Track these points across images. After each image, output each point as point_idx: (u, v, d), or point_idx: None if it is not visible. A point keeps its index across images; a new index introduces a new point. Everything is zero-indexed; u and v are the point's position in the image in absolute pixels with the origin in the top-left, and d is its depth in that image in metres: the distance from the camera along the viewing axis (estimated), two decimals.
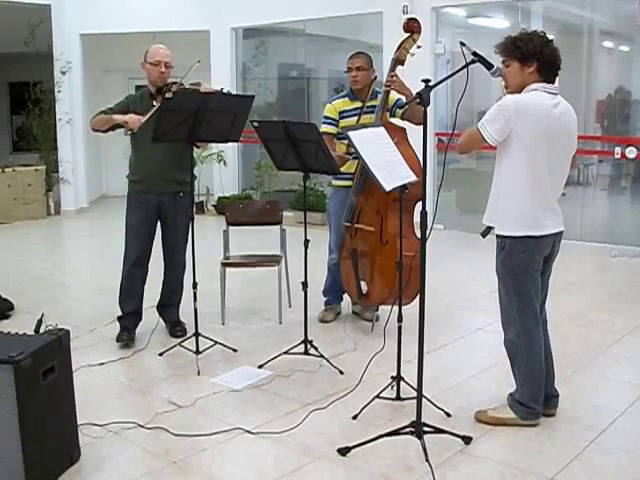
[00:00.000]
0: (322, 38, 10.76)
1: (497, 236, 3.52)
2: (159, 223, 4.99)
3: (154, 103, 4.70)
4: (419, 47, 4.99)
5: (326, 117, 5.16)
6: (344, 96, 5.20)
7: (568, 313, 5.46)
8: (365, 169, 4.85)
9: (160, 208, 4.91)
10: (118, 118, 4.72)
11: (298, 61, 11.13)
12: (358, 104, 5.12)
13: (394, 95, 5.03)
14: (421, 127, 5.02)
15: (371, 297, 5.07)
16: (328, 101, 5.28)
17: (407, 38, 4.97)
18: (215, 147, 10.64)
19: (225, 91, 4.78)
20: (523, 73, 3.41)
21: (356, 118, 5.06)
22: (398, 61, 4.97)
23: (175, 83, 4.78)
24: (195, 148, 4.68)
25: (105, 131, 4.86)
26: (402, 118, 5.04)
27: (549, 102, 3.39)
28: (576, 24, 8.52)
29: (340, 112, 5.13)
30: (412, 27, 4.96)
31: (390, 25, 8.93)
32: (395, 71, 4.94)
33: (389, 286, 4.83)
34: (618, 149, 7.84)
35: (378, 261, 4.98)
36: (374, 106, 5.05)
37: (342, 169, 4.78)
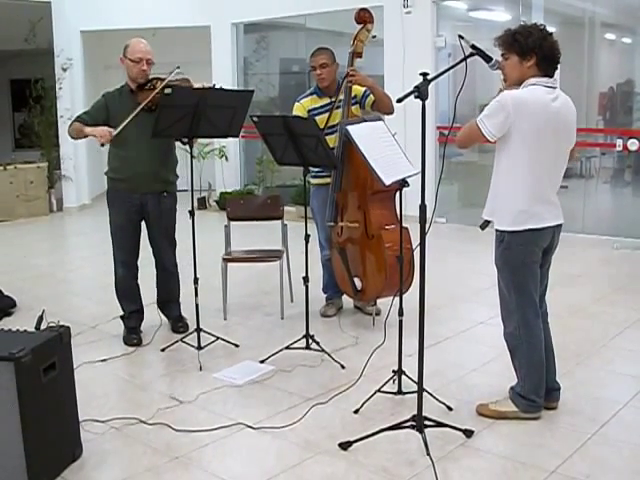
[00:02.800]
0: (323, 33, 10.72)
1: (496, 229, 3.51)
2: (144, 222, 4.88)
3: (138, 101, 4.58)
4: (374, 37, 4.99)
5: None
6: (311, 94, 5.16)
7: (570, 306, 5.45)
8: (344, 166, 4.90)
9: (143, 207, 4.79)
10: (88, 132, 4.56)
11: (299, 56, 11.10)
12: (327, 100, 5.09)
13: (359, 87, 5.01)
14: (391, 116, 5.06)
15: (367, 292, 5.08)
16: (296, 100, 5.21)
17: (361, 29, 4.96)
18: (217, 142, 10.63)
19: (217, 87, 4.68)
20: (522, 67, 3.39)
21: (327, 115, 5.03)
22: (355, 54, 4.96)
23: (159, 79, 4.65)
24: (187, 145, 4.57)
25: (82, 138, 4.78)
26: (372, 109, 5.05)
27: (547, 97, 3.37)
28: (578, 16, 8.49)
29: (309, 110, 5.09)
30: (364, 17, 4.96)
31: (391, 19, 8.92)
32: (354, 65, 4.93)
33: (382, 278, 4.85)
34: (620, 141, 7.82)
35: (367, 255, 5.00)
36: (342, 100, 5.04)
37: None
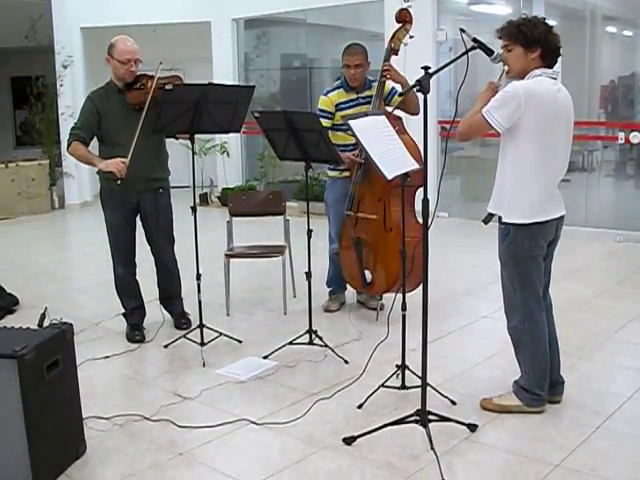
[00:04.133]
0: (324, 27, 10.72)
1: (500, 222, 3.50)
2: (140, 220, 4.87)
3: (128, 101, 4.59)
4: (412, 37, 5.07)
5: (321, 110, 5.08)
6: (339, 87, 5.14)
7: (573, 299, 5.44)
8: (366, 159, 4.88)
9: (140, 205, 4.79)
10: (102, 167, 4.51)
11: (300, 51, 11.10)
12: (353, 95, 5.09)
13: (388, 84, 5.04)
14: (416, 116, 5.06)
15: (376, 285, 5.06)
16: (322, 93, 5.20)
17: (400, 28, 5.03)
18: (218, 138, 10.62)
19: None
20: (526, 58, 3.38)
21: (353, 110, 5.02)
22: (392, 51, 5.01)
23: (147, 76, 4.60)
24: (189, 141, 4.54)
25: None
26: (397, 107, 5.04)
27: (553, 88, 3.37)
28: (579, 9, 8.47)
29: (336, 105, 5.08)
30: (404, 17, 5.04)
31: (391, 14, 8.82)
32: (389, 61, 4.95)
33: (394, 273, 4.82)
34: (622, 134, 7.80)
35: (382, 249, 4.97)
36: (369, 96, 5.04)
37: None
